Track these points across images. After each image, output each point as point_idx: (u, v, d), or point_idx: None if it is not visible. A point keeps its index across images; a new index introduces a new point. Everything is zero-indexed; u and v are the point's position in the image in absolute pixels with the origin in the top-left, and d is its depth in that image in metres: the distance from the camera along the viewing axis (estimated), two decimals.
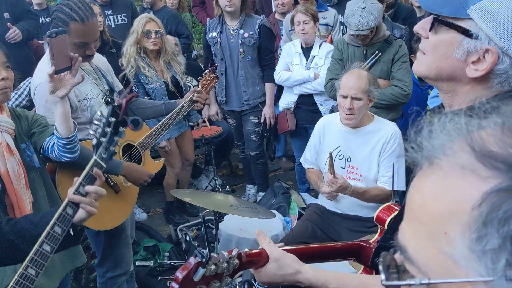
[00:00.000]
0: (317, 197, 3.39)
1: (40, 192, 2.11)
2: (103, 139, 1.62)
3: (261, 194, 4.22)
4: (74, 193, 1.58)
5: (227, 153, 4.96)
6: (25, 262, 1.45)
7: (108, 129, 1.62)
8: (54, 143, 2.12)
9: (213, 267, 1.18)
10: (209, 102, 4.25)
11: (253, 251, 1.30)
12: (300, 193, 4.05)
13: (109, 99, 2.66)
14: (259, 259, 1.29)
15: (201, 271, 1.16)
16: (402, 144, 2.71)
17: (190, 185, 4.42)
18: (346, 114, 2.68)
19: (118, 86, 2.85)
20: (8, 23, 3.94)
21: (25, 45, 4.12)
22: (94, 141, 1.62)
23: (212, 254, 1.19)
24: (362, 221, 2.74)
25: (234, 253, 1.24)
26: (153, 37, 3.56)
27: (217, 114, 4.33)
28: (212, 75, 2.99)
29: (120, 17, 4.58)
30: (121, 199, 2.56)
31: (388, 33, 3.43)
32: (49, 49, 2.03)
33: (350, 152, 2.78)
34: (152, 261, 3.35)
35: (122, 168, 2.45)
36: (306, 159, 3.02)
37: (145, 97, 3.59)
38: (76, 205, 1.58)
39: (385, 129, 2.76)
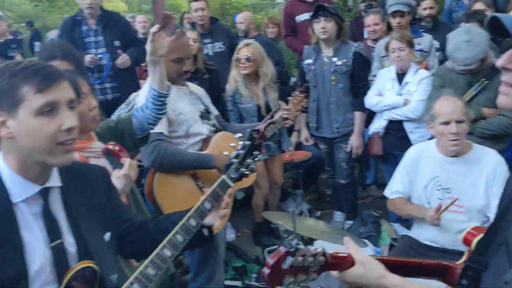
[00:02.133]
0: (409, 228, 3.27)
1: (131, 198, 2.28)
2: (234, 160, 1.78)
3: (349, 222, 4.15)
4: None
5: (315, 178, 4.96)
6: (146, 262, 1.56)
7: (242, 152, 1.79)
8: (140, 109, 2.29)
9: (300, 258, 1.24)
10: (299, 127, 4.31)
11: (339, 254, 1.34)
12: (391, 223, 3.93)
13: (205, 118, 2.83)
14: (344, 262, 1.33)
15: (290, 259, 1.22)
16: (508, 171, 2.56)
17: (277, 208, 4.46)
18: (453, 140, 2.58)
19: (214, 111, 3.02)
20: (119, 50, 4.31)
21: (132, 70, 4.46)
22: (226, 161, 1.77)
23: (299, 246, 1.25)
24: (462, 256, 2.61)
25: (319, 250, 1.29)
26: (242, 62, 3.74)
27: (307, 140, 4.36)
28: (302, 95, 3.05)
29: (218, 45, 4.81)
30: None
31: (495, 60, 3.28)
32: (153, 8, 2.23)
33: (450, 182, 2.67)
34: (240, 282, 3.41)
35: (214, 160, 2.60)
36: (396, 190, 2.88)
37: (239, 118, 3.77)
38: (200, 218, 1.69)
39: (489, 156, 2.63)
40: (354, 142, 3.94)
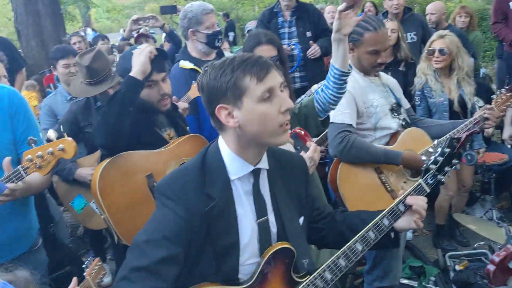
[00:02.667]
0: None
1: None
2: (432, 166, 1.79)
3: None
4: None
5: (510, 184, 4.47)
6: (339, 252, 1.66)
7: (440, 158, 1.80)
8: (320, 90, 2.37)
9: None
10: (506, 123, 3.93)
11: None
12: None
13: (395, 112, 2.77)
14: None
15: None
16: None
17: (462, 212, 4.16)
18: None
19: (406, 104, 2.94)
20: (310, 41, 4.46)
21: (321, 60, 4.58)
22: (424, 166, 1.79)
23: None
24: None
25: None
26: (435, 55, 3.55)
27: (511, 138, 3.94)
28: (509, 94, 2.77)
29: (410, 35, 4.65)
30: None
31: None
32: None
33: None
34: (417, 282, 3.29)
35: (401, 158, 2.55)
36: None
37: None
38: (393, 219, 1.73)
39: None
40: None
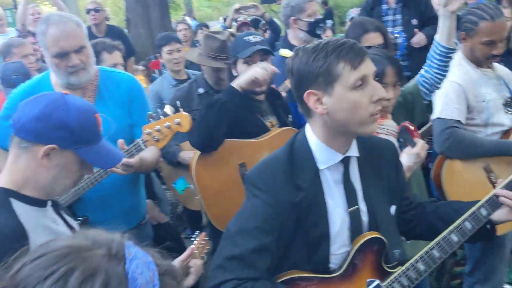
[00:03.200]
0: None
1: None
2: None
3: None
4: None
5: None
6: (432, 243, 1.60)
7: None
8: (423, 71, 2.33)
9: None
10: None
11: None
12: None
13: (509, 107, 2.59)
14: None
15: None
16: None
17: None
18: None
19: None
20: (415, 29, 4.27)
21: (426, 50, 4.35)
22: None
23: None
24: None
25: None
26: None
27: None
28: None
29: None
30: None
31: None
32: None
33: None
34: None
35: None
36: None
37: None
38: (492, 209, 1.63)
39: None
40: None
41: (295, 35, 3.21)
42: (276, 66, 3.06)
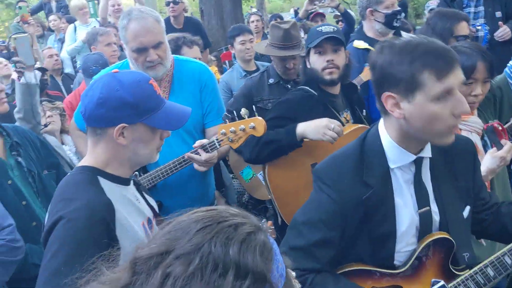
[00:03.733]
0: None
1: None
2: None
3: None
4: None
5: None
6: (505, 249, 1.57)
7: None
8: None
9: None
10: None
11: None
12: None
13: None
14: None
15: None
16: None
17: None
18: None
19: None
20: (500, 22, 4.03)
21: (510, 44, 4.11)
22: None
23: None
24: None
25: None
26: None
27: None
28: None
29: None
30: None
31: None
32: None
33: None
34: None
35: None
36: None
37: None
38: None
39: None
40: None
41: (371, 27, 3.15)
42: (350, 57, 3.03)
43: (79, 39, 5.50)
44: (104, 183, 1.48)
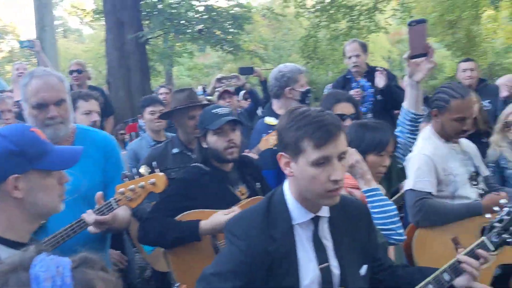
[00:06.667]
0: None
1: None
2: (497, 224, 1.78)
3: None
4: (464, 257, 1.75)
5: None
6: None
7: (507, 218, 1.79)
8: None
9: None
10: None
11: None
12: None
13: (474, 181, 2.71)
14: None
15: None
16: None
17: None
18: None
19: (484, 171, 2.90)
20: (378, 71, 4.46)
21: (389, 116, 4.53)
22: (489, 224, 1.79)
23: None
24: None
25: None
26: None
27: None
28: None
29: (484, 103, 4.58)
30: None
31: None
32: (408, 36, 2.28)
33: None
34: None
35: (482, 207, 2.52)
36: None
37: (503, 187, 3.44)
38: (454, 274, 1.70)
39: None
40: None
41: (287, 105, 3.28)
42: (261, 132, 3.16)
43: None
44: (1, 249, 1.38)
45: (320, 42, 15.59)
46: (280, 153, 1.59)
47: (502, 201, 1.89)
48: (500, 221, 1.79)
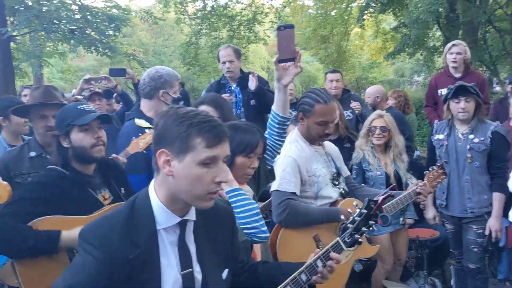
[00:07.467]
0: None
1: None
2: (350, 225, 1.89)
3: None
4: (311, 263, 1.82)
5: (442, 262, 4.62)
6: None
7: (358, 219, 1.90)
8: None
9: None
10: (425, 204, 4.15)
11: None
12: None
13: (335, 181, 2.90)
14: None
15: None
16: None
17: None
18: None
19: (345, 172, 3.11)
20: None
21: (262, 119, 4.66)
22: (342, 225, 1.90)
23: None
24: None
25: None
26: (377, 133, 3.82)
27: (435, 218, 4.14)
28: (440, 171, 2.98)
29: (346, 113, 4.95)
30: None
31: None
32: (277, 40, 2.35)
33: None
34: None
35: (340, 213, 2.65)
36: None
37: (362, 184, 3.75)
38: (310, 274, 1.79)
39: None
40: (494, 225, 3.60)
41: (158, 107, 3.19)
42: (131, 134, 3.03)
43: None
44: None
45: (201, 50, 15.71)
46: (161, 149, 1.51)
47: (355, 203, 2.03)
48: (353, 222, 1.92)
